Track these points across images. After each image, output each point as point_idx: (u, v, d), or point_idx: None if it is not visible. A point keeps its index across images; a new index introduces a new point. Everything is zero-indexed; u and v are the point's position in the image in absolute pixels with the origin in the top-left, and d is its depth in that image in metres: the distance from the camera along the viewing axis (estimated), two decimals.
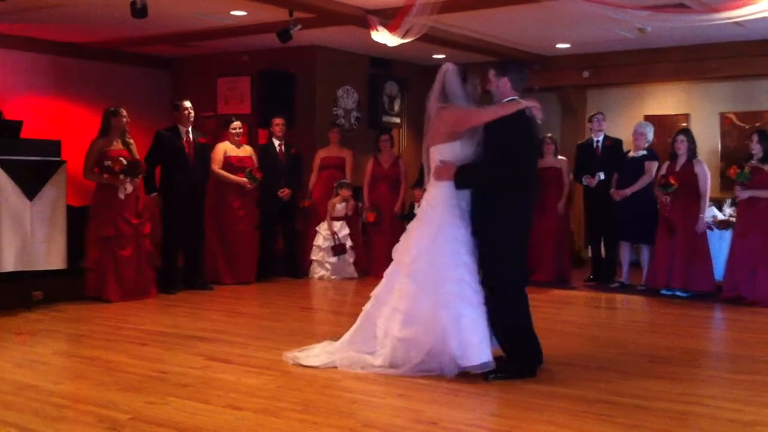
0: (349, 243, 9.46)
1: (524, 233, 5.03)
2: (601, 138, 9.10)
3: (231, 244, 8.86)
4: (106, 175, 7.59)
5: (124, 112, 7.80)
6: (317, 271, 9.47)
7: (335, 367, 5.05)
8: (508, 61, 5.34)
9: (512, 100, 4.93)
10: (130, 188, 7.68)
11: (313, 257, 9.49)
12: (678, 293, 8.13)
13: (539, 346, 5.06)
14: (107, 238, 7.60)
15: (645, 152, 8.57)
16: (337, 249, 9.38)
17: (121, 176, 7.57)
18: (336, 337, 5.52)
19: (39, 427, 3.95)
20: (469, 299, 4.86)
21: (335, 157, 9.78)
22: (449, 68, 5.11)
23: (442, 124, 5.06)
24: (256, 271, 9.05)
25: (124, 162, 7.59)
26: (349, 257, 9.48)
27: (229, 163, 8.86)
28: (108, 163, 7.58)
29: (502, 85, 4.96)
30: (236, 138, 8.96)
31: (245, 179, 8.81)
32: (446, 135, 5.03)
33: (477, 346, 4.80)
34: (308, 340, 5.79)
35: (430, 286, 4.90)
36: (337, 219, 9.49)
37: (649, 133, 8.65)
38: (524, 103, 4.87)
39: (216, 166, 8.81)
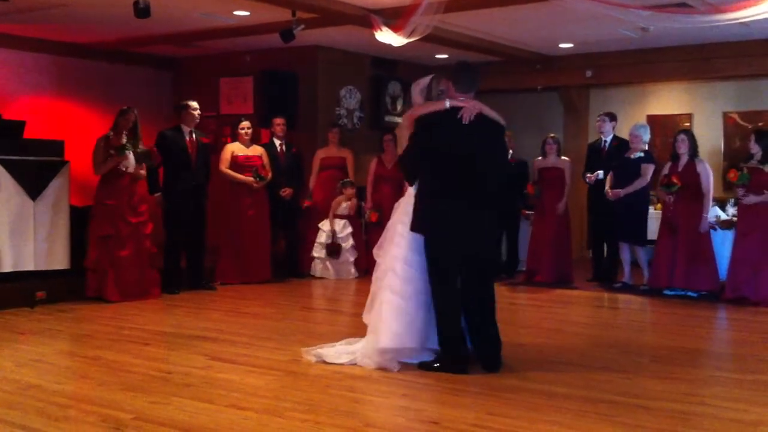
0: (350, 242, 9.47)
1: (439, 239, 5.02)
2: (609, 138, 9.06)
3: (243, 244, 8.86)
4: (112, 151, 7.51)
5: (131, 114, 7.70)
6: (318, 269, 9.49)
7: (355, 364, 5.12)
8: (456, 66, 5.40)
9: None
10: (133, 163, 7.60)
11: (315, 254, 9.51)
12: (688, 293, 8.09)
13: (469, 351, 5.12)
14: (105, 237, 7.57)
15: (642, 154, 8.53)
16: (331, 248, 9.39)
17: (112, 151, 7.49)
18: (354, 336, 5.59)
19: (42, 426, 3.96)
20: (396, 289, 5.08)
21: (335, 157, 9.78)
22: (418, 81, 5.43)
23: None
24: (270, 269, 9.08)
25: (124, 139, 7.57)
26: (350, 257, 9.49)
27: (236, 163, 8.88)
28: (111, 134, 7.60)
29: (449, 89, 5.26)
30: (245, 137, 8.98)
31: (251, 178, 8.83)
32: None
33: (394, 332, 5.01)
34: (311, 339, 5.80)
35: (380, 276, 5.25)
36: (340, 217, 9.50)
37: (645, 134, 8.62)
38: (447, 104, 5.10)
39: (223, 166, 8.86)
